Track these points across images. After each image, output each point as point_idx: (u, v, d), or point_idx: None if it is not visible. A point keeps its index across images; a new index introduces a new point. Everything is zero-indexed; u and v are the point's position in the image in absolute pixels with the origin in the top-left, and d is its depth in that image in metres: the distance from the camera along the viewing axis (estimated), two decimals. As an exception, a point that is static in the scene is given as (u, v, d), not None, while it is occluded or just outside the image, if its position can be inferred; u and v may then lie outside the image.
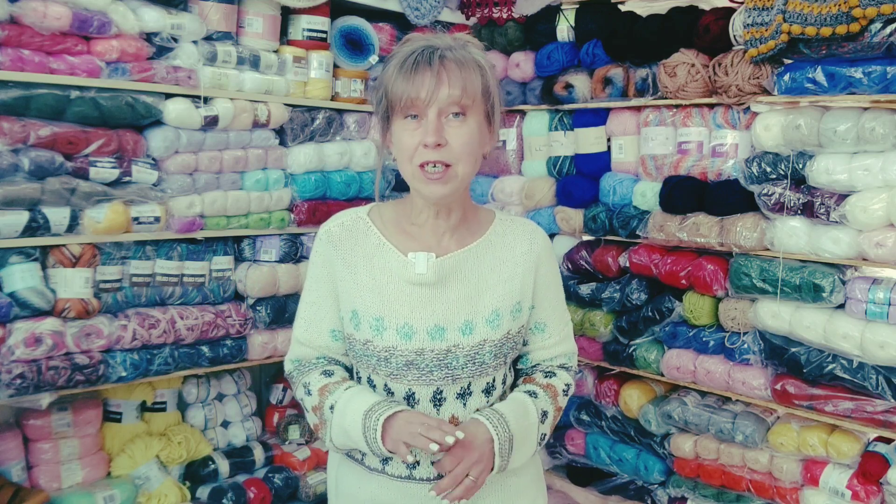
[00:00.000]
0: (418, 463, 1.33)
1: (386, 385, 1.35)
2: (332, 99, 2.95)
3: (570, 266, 3.01)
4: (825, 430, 2.40)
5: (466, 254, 1.37)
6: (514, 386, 1.48)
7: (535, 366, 1.48)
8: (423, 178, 1.28)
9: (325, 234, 1.40)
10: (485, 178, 3.26)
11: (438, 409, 1.34)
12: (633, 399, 2.83)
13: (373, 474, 1.38)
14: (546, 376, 1.45)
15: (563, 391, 1.44)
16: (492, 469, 1.30)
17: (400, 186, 3.07)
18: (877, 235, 2.18)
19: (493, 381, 1.38)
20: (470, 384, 1.35)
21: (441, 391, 1.34)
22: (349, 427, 1.29)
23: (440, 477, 1.33)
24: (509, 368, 1.46)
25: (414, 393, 1.34)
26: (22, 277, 2.23)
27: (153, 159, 2.48)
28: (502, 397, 1.42)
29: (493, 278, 1.37)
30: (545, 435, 1.40)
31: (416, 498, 1.36)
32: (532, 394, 1.39)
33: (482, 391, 1.36)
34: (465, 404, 1.35)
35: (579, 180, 2.97)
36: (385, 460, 1.36)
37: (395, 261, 1.35)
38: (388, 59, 1.33)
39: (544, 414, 1.38)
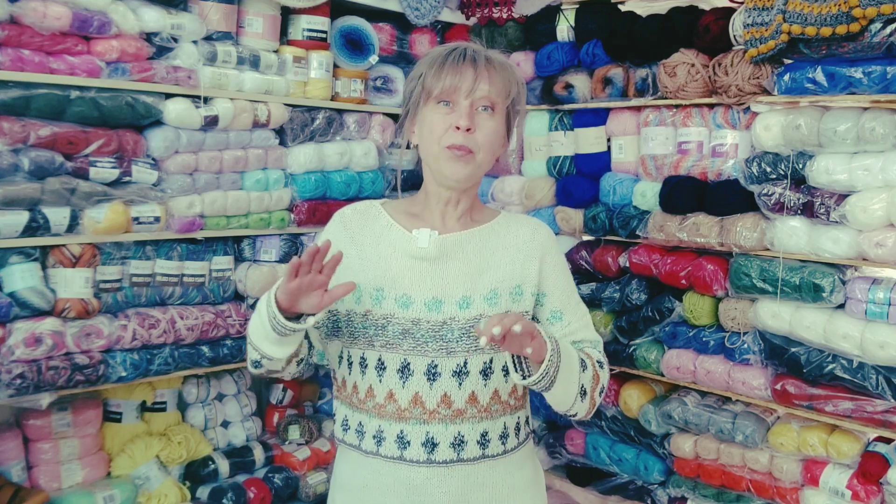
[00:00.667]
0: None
1: (380, 358, 1.38)
2: (332, 99, 2.95)
3: (569, 266, 3.01)
4: (825, 430, 2.40)
5: (469, 235, 1.43)
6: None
7: None
8: (448, 156, 1.36)
9: (338, 216, 1.49)
10: (485, 178, 3.25)
11: (432, 384, 1.36)
12: (633, 399, 2.83)
13: (367, 457, 1.40)
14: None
15: (598, 363, 1.43)
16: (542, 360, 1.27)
17: (401, 187, 3.07)
18: (877, 235, 2.18)
19: (491, 362, 1.39)
20: (466, 362, 1.37)
21: (436, 364, 1.36)
22: (261, 309, 1.33)
23: (430, 461, 1.36)
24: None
25: (409, 363, 1.37)
26: (22, 277, 2.23)
27: (153, 159, 2.48)
28: (513, 395, 1.43)
29: (493, 261, 1.42)
30: (585, 390, 1.37)
31: (406, 481, 1.38)
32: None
33: (479, 371, 1.38)
34: (460, 384, 1.37)
35: (579, 180, 2.97)
36: (379, 441, 1.38)
37: (401, 237, 1.42)
38: (423, 56, 1.43)
39: (582, 362, 1.38)
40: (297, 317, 1.29)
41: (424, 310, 1.37)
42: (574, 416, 1.43)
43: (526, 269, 1.43)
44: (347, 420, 1.45)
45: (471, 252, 1.42)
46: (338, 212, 1.50)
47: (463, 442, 1.38)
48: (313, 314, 1.28)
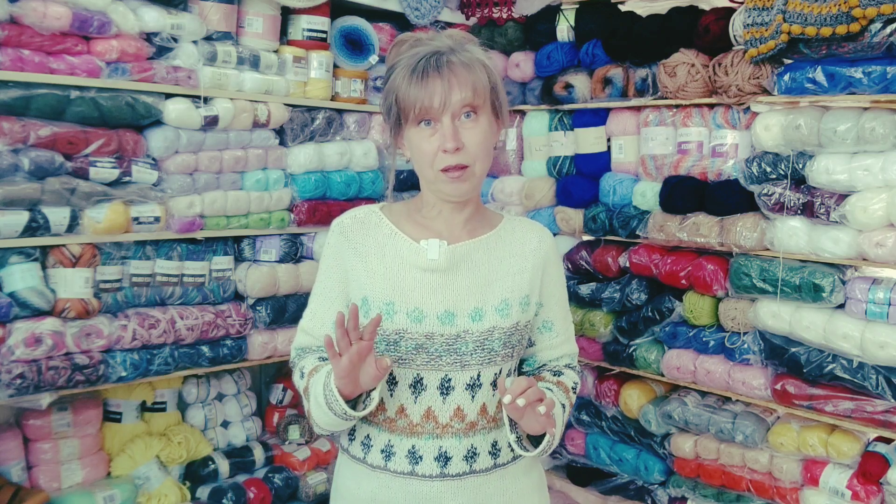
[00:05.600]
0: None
1: (391, 373, 1.36)
2: (332, 99, 2.95)
3: (570, 266, 3.01)
4: (825, 430, 2.40)
5: (477, 244, 1.40)
6: None
7: (541, 366, 1.49)
8: (445, 180, 1.32)
9: (337, 226, 1.43)
10: (485, 179, 3.25)
11: (445, 398, 1.34)
12: (634, 399, 2.83)
13: (374, 472, 1.38)
14: (554, 374, 1.46)
15: (573, 388, 1.46)
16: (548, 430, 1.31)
17: (400, 187, 3.07)
18: (877, 235, 2.18)
19: (500, 372, 1.38)
20: (480, 374, 1.35)
21: (449, 378, 1.34)
22: (317, 393, 1.30)
23: (443, 475, 1.34)
24: (513, 370, 1.45)
25: (422, 378, 1.34)
26: (22, 277, 2.23)
27: (153, 159, 2.48)
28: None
29: (502, 269, 1.39)
30: (562, 429, 1.41)
31: (417, 496, 1.35)
32: (548, 389, 1.40)
33: (490, 383, 1.37)
34: (473, 396, 1.35)
35: (579, 180, 2.97)
36: (388, 456, 1.36)
37: (407, 248, 1.37)
38: (392, 64, 1.36)
39: (563, 406, 1.40)
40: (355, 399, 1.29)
41: (437, 323, 1.33)
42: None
43: (534, 280, 1.41)
44: (355, 430, 1.42)
45: (480, 261, 1.39)
46: (336, 221, 1.44)
47: (476, 454, 1.36)
48: (374, 388, 1.27)
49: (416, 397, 1.35)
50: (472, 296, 1.36)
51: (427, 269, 1.35)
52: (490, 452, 1.38)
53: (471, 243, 1.39)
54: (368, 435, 1.39)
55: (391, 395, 1.36)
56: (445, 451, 1.35)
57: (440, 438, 1.35)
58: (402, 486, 1.36)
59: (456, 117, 1.30)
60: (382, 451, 1.37)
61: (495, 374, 1.37)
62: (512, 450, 1.41)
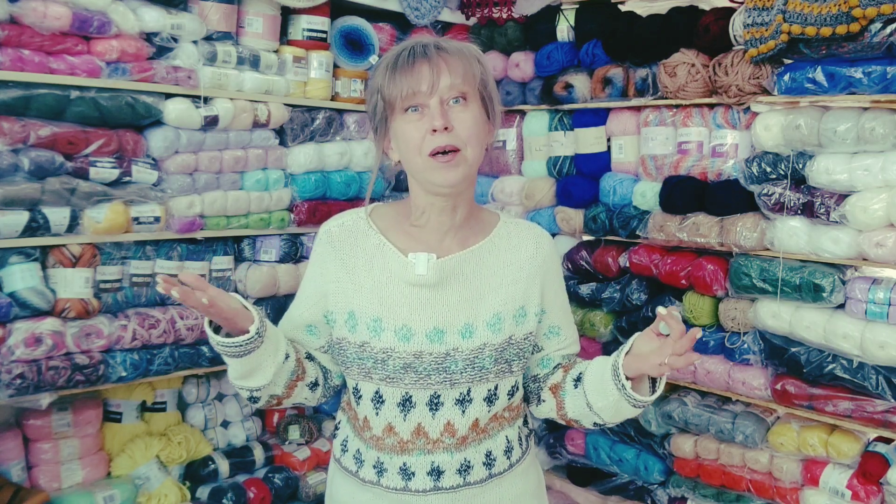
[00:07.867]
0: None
1: (377, 391, 1.32)
2: (332, 99, 2.95)
3: (570, 266, 3.01)
4: (825, 430, 2.40)
5: (468, 255, 1.34)
6: (526, 398, 1.48)
7: (557, 365, 1.45)
8: (435, 166, 1.25)
9: (324, 234, 1.38)
10: (485, 178, 3.26)
11: (434, 414, 1.32)
12: (633, 399, 2.83)
13: (367, 486, 1.36)
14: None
15: None
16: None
17: (399, 186, 3.07)
18: (877, 235, 2.18)
19: (496, 389, 1.34)
20: (470, 390, 1.32)
21: (438, 395, 1.31)
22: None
23: (437, 489, 1.33)
24: (518, 383, 1.42)
25: (411, 396, 1.31)
26: (22, 277, 2.23)
27: (153, 159, 2.48)
28: (509, 408, 1.40)
29: (495, 281, 1.34)
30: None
31: None
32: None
33: (483, 399, 1.33)
34: (463, 411, 1.32)
35: (579, 180, 2.97)
36: (380, 472, 1.34)
37: (395, 261, 1.32)
38: (375, 67, 1.33)
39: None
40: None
41: (426, 342, 1.28)
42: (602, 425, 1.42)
43: (529, 289, 1.36)
44: (347, 442, 1.40)
45: (471, 274, 1.33)
46: (323, 227, 1.39)
47: (469, 467, 1.34)
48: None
49: (405, 415, 1.32)
50: (463, 311, 1.31)
51: (415, 284, 1.30)
52: (484, 463, 1.36)
53: (461, 255, 1.34)
54: (359, 450, 1.37)
55: (377, 414, 1.33)
56: (438, 466, 1.33)
57: (431, 454, 1.32)
58: (395, 501, 1.34)
59: (444, 102, 1.25)
60: (374, 467, 1.35)
61: (488, 389, 1.33)
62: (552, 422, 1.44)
